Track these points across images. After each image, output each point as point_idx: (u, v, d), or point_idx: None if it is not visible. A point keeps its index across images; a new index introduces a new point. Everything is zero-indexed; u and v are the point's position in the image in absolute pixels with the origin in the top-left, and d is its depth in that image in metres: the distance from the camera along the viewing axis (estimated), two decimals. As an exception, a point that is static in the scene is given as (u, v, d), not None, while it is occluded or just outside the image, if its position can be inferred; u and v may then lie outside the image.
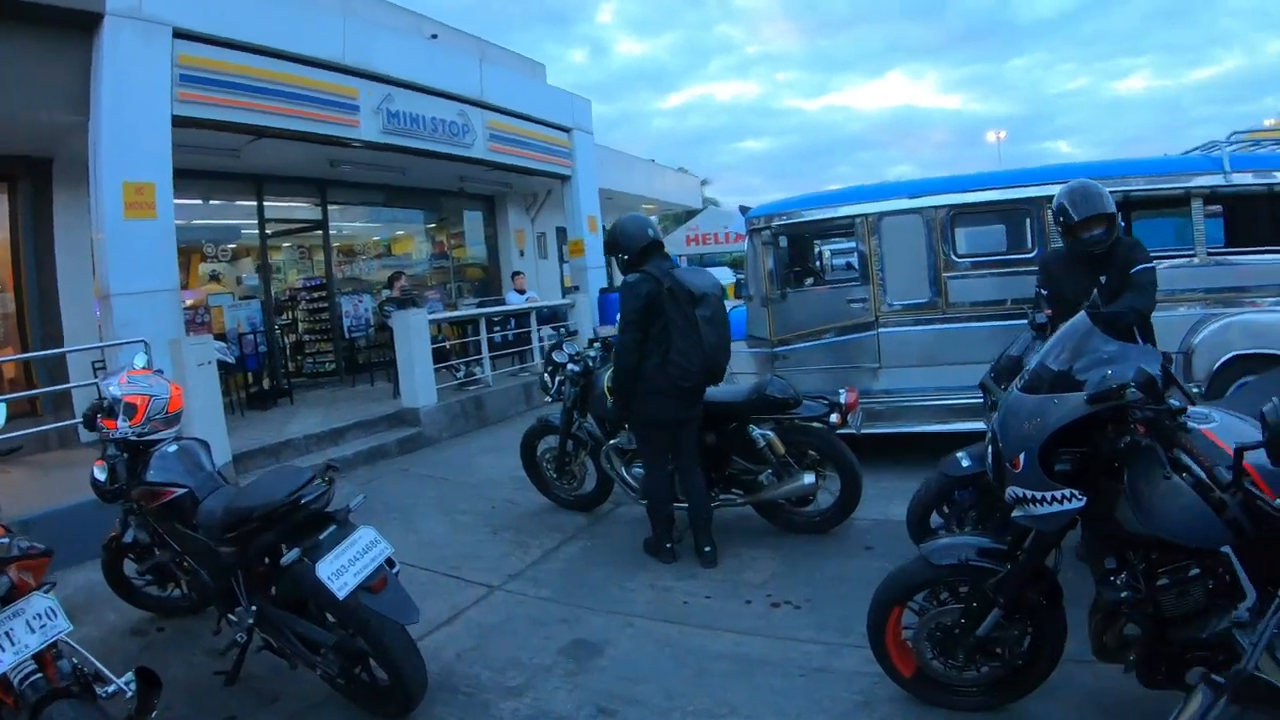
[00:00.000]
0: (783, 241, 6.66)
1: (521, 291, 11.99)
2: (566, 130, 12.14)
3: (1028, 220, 6.04)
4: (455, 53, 10.91)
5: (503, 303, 11.87)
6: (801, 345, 6.50)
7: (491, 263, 14.95)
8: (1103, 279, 3.99)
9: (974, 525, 4.17)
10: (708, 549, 4.50)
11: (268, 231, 10.66)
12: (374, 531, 2.98)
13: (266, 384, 9.40)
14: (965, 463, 4.08)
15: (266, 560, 3.10)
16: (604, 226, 13.66)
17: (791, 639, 3.57)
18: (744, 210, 7.22)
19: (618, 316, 4.46)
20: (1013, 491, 2.44)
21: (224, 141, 8.14)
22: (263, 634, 3.14)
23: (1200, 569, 2.24)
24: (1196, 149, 6.34)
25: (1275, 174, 5.69)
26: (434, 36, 11.37)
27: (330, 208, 11.53)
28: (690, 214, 26.59)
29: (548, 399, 5.61)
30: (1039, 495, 2.37)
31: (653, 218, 4.72)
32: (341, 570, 2.77)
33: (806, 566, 4.37)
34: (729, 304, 4.64)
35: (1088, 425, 2.34)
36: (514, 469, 6.55)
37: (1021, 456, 2.38)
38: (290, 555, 2.86)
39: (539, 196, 15.06)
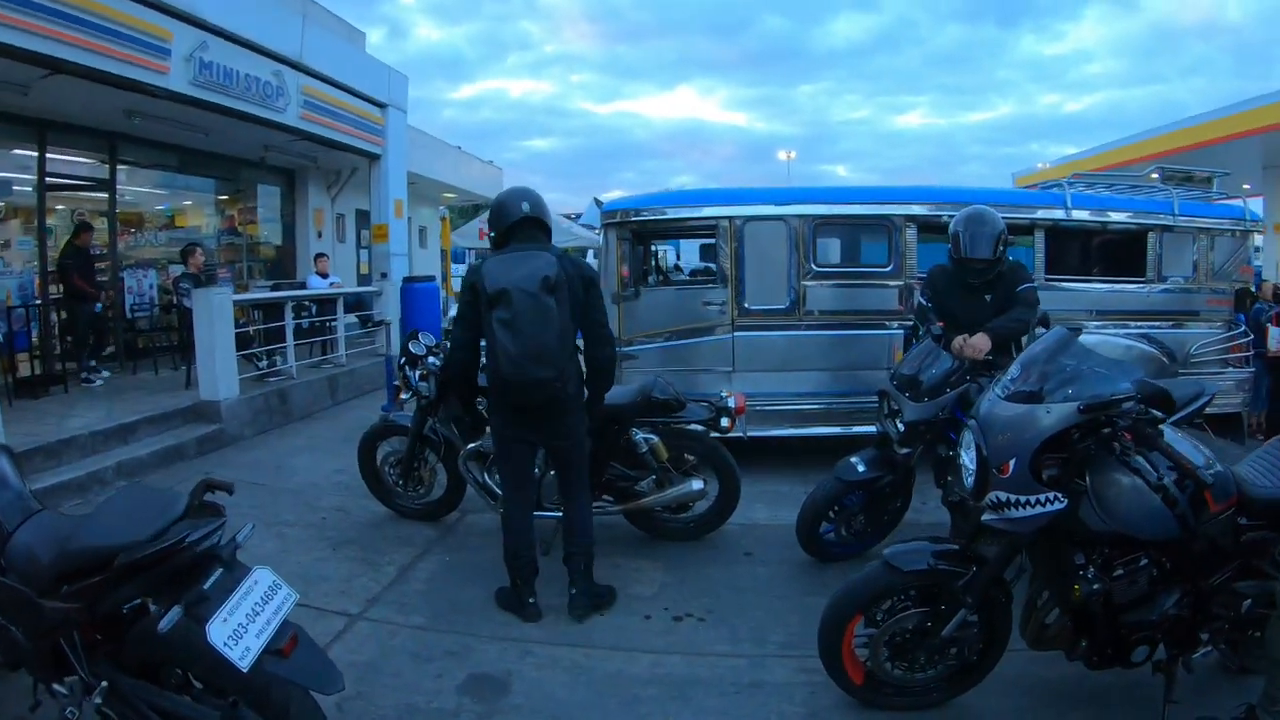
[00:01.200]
0: (640, 238, 6.60)
1: (324, 275, 11.12)
2: (381, 106, 11.42)
3: (887, 235, 6.40)
4: (278, 5, 9.86)
5: (300, 286, 10.96)
6: (652, 346, 6.41)
7: (287, 243, 13.79)
8: (988, 298, 4.34)
9: (861, 529, 4.33)
10: (574, 591, 3.86)
11: (46, 188, 9.08)
12: (271, 573, 2.32)
13: (37, 368, 7.88)
14: (860, 468, 4.22)
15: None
16: (409, 214, 13.00)
17: (710, 654, 3.47)
18: (598, 203, 7.06)
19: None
20: (995, 496, 2.53)
21: (14, 74, 6.89)
22: (106, 711, 2.32)
23: (1148, 559, 2.57)
24: (1039, 185, 7.19)
25: (1109, 213, 6.69)
26: None
27: (120, 167, 10.05)
28: (479, 208, 26.21)
29: (403, 397, 5.10)
30: (1023, 499, 2.48)
31: (532, 191, 4.30)
32: (240, 631, 2.11)
33: (693, 576, 4.28)
34: None
35: (1064, 433, 2.52)
36: (336, 472, 6.09)
37: (1012, 462, 2.49)
38: (170, 617, 2.09)
39: (342, 175, 14.08)
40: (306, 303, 9.69)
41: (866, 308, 6.35)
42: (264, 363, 8.21)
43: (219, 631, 2.07)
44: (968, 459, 2.66)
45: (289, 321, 8.43)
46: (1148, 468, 2.49)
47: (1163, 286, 6.61)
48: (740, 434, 4.90)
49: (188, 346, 7.84)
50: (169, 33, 7.48)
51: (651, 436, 4.55)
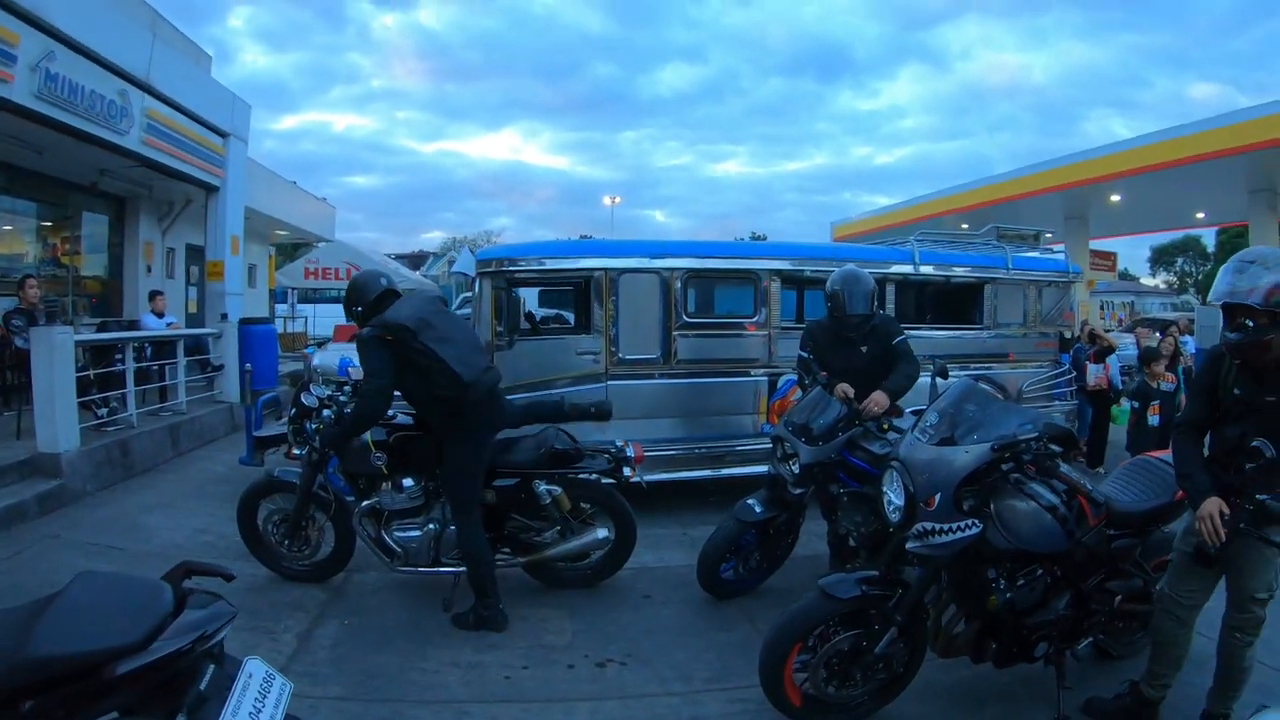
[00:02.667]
0: (514, 287, 6.75)
1: (160, 315, 10.48)
2: (224, 135, 10.90)
3: (753, 288, 6.92)
4: (129, 19, 9.27)
5: (130, 325, 10.21)
6: (525, 396, 6.52)
7: (114, 277, 12.82)
8: (864, 349, 4.86)
9: (757, 565, 4.69)
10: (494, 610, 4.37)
11: None
12: (262, 662, 2.17)
13: None
14: (757, 509, 4.61)
15: None
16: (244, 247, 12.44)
17: (643, 696, 3.65)
18: (472, 250, 7.14)
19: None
20: (922, 525, 2.97)
21: None
22: None
23: (1043, 570, 3.14)
24: (887, 243, 8.01)
25: (952, 267, 7.59)
26: None
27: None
28: (298, 246, 25.57)
29: (296, 453, 4.94)
30: (947, 526, 2.93)
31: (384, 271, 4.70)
32: None
33: (602, 622, 4.45)
34: None
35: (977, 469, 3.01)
36: (198, 532, 5.82)
37: (938, 496, 2.94)
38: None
39: (175, 206, 13.30)
40: (142, 345, 9.03)
41: (734, 356, 6.82)
42: (103, 411, 7.58)
43: None
44: (894, 495, 3.10)
45: (129, 365, 7.85)
46: (1040, 493, 3.04)
47: (997, 332, 7.58)
48: (640, 480, 5.10)
49: (14, 391, 7.20)
50: (16, 36, 6.95)
51: (555, 488, 4.67)
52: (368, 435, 4.54)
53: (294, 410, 4.89)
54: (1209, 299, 3.40)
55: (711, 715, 3.43)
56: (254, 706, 2.02)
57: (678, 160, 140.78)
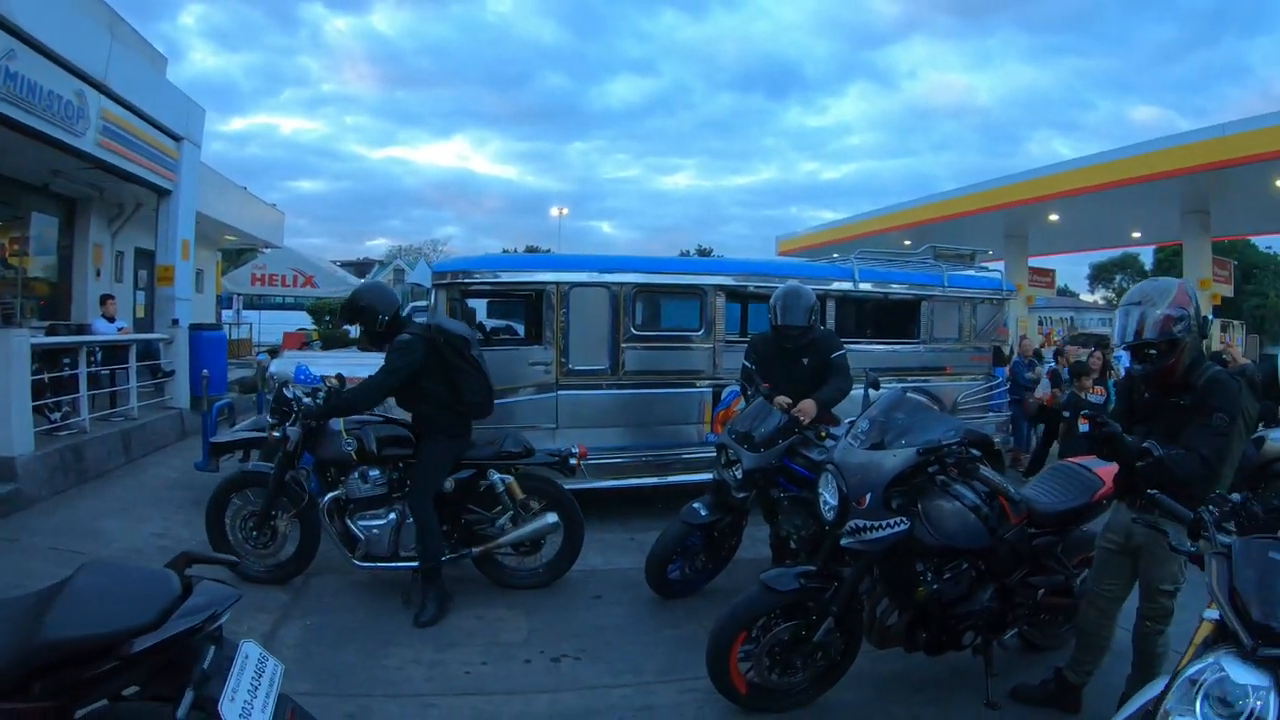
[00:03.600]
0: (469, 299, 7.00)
1: (111, 319, 10.42)
2: (177, 138, 10.84)
3: (699, 303, 7.25)
4: (89, 19, 9.19)
5: (79, 329, 10.13)
6: None
7: (63, 280, 12.69)
8: (805, 361, 5.23)
9: (703, 566, 5.00)
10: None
11: None
12: (256, 644, 2.33)
13: None
14: (703, 512, 4.91)
15: None
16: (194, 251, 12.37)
17: (598, 687, 3.90)
18: (428, 261, 7.35)
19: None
20: (854, 523, 3.28)
21: None
22: None
23: (968, 564, 3.47)
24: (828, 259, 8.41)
25: (890, 285, 8.01)
26: None
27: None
28: (242, 251, 25.48)
29: (276, 435, 5.10)
30: (877, 524, 3.25)
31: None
32: (247, 709, 2.14)
33: (556, 620, 4.70)
34: None
35: (905, 471, 3.34)
36: (156, 536, 5.89)
37: (868, 496, 3.27)
38: (186, 702, 2.06)
39: (126, 209, 13.17)
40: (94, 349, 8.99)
41: (680, 368, 7.12)
42: (56, 415, 7.57)
43: (230, 711, 2.09)
44: (829, 496, 3.41)
45: (83, 370, 7.85)
46: (964, 493, 3.41)
47: (933, 346, 8.01)
48: (599, 484, 5.38)
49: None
50: (-22, 34, 6.92)
51: (507, 477, 5.04)
52: (340, 422, 4.88)
53: (279, 407, 5.07)
54: (1113, 343, 3.84)
55: (663, 704, 3.69)
56: (251, 683, 2.20)
57: (626, 172, 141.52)
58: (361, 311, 4.89)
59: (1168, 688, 2.15)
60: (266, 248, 22.17)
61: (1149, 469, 3.01)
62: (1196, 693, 2.06)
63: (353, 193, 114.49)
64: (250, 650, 2.28)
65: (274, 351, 12.77)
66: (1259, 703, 1.97)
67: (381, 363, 4.81)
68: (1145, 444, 3.01)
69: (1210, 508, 2.49)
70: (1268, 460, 6.07)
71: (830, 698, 3.66)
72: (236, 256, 27.05)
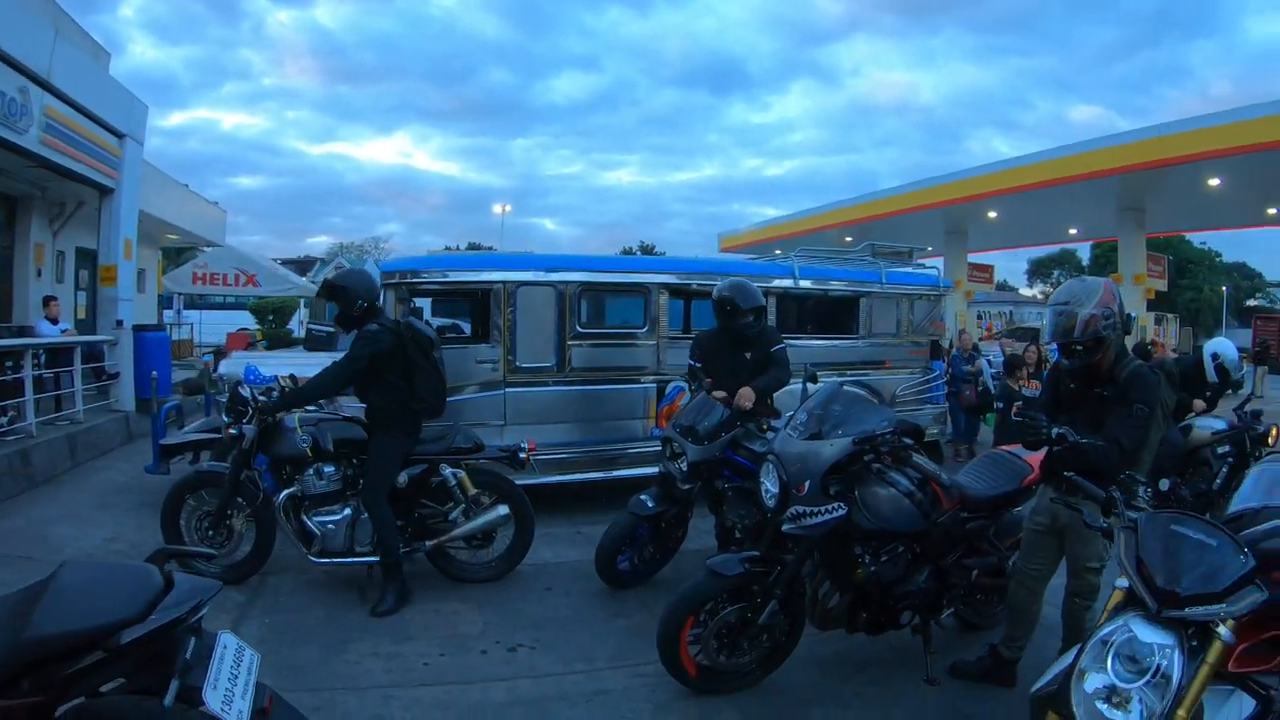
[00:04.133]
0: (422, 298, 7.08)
1: (55, 321, 10.22)
2: (120, 135, 10.57)
3: (643, 301, 7.42)
4: (33, 14, 8.97)
5: (23, 331, 9.99)
6: None
7: (3, 281, 12.34)
8: (748, 355, 5.42)
9: (651, 557, 5.21)
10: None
11: None
12: (233, 635, 2.41)
13: None
14: (650, 504, 5.09)
15: None
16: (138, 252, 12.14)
17: (552, 674, 4.06)
18: (377, 262, 7.42)
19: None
20: (795, 509, 3.49)
21: None
22: None
23: (904, 547, 3.70)
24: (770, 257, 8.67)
25: (829, 282, 8.30)
26: None
27: None
28: (182, 250, 25.19)
29: (233, 432, 5.11)
30: (816, 510, 3.46)
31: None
32: (229, 696, 2.20)
33: (509, 613, 4.83)
34: None
35: (842, 460, 3.56)
36: (108, 540, 5.88)
37: (807, 483, 3.48)
38: (173, 690, 2.12)
39: (67, 208, 12.84)
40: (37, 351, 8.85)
41: (624, 364, 7.28)
42: (3, 420, 7.46)
43: (213, 699, 2.15)
44: (770, 485, 3.62)
45: (29, 373, 7.74)
46: (898, 480, 3.63)
47: (872, 341, 8.31)
48: (547, 479, 5.51)
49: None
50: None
51: (458, 471, 5.18)
52: (295, 419, 4.97)
53: (235, 406, 5.12)
54: (1044, 342, 4.12)
55: (616, 689, 3.85)
56: (231, 672, 2.27)
57: (569, 169, 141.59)
58: (342, 291, 4.95)
59: (1083, 648, 2.39)
60: (208, 246, 21.78)
61: (1067, 454, 3.26)
62: (1108, 652, 2.30)
63: (294, 189, 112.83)
64: (229, 641, 2.35)
65: (219, 352, 12.62)
66: (1164, 660, 2.22)
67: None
68: (1059, 431, 3.24)
69: (1115, 489, 2.74)
70: (1194, 447, 6.38)
71: (777, 678, 3.85)
72: (177, 255, 26.58)
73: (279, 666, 4.06)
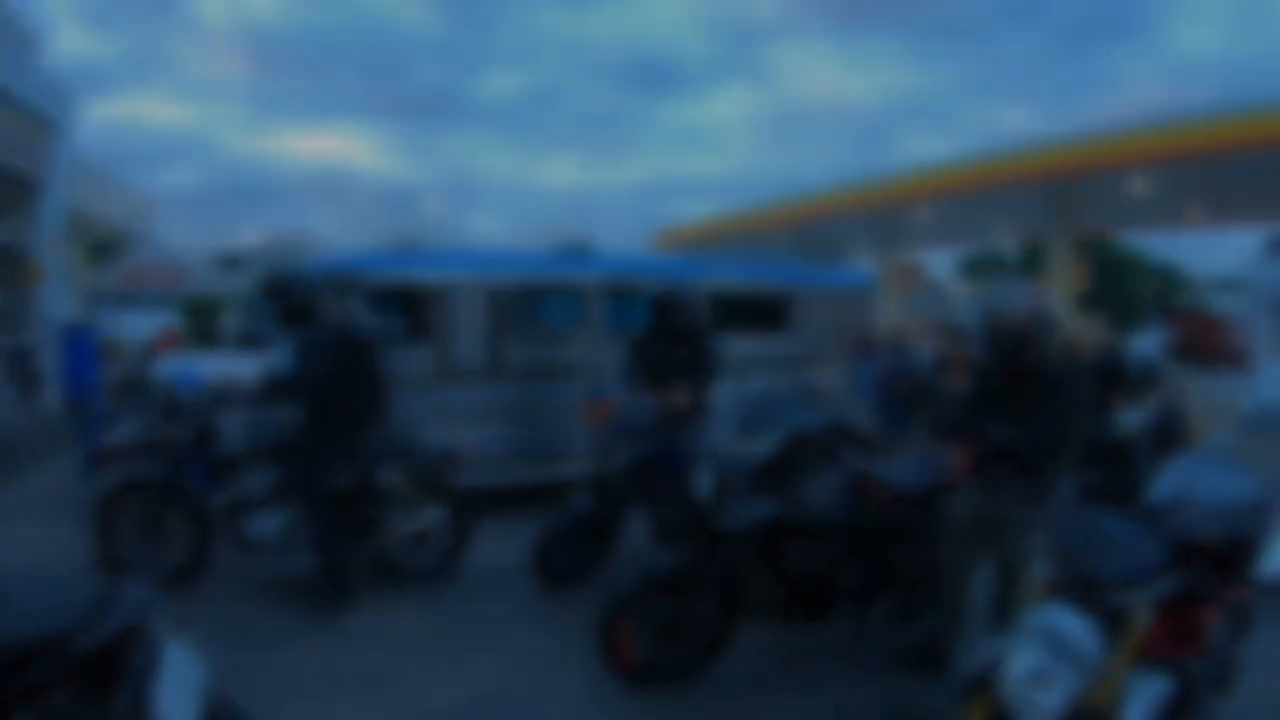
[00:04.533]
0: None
1: None
2: (49, 127, 10.13)
3: (579, 299, 7.55)
4: None
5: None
6: None
7: None
8: (682, 353, 5.56)
9: (588, 555, 5.29)
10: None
11: None
12: (180, 644, 2.38)
13: None
14: (586, 503, 5.20)
15: None
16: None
17: (493, 674, 4.15)
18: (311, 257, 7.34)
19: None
20: (729, 506, 3.66)
21: None
22: None
23: (836, 541, 3.87)
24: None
25: (763, 281, 8.56)
26: None
27: None
28: (108, 246, 24.18)
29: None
30: (750, 506, 3.64)
31: None
32: (177, 706, 2.20)
33: (450, 615, 4.90)
34: None
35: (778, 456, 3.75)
36: (39, 543, 5.80)
37: (741, 480, 3.66)
38: (121, 702, 2.11)
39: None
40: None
41: (560, 364, 7.37)
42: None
43: (164, 707, 2.14)
44: (705, 481, 3.75)
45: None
46: (830, 475, 3.83)
47: (803, 339, 8.54)
48: (483, 480, 5.58)
49: None
50: None
51: (397, 473, 5.23)
52: (232, 422, 5.09)
53: (165, 406, 5.16)
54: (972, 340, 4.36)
55: (557, 683, 3.97)
56: (179, 682, 2.26)
57: (503, 165, 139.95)
58: (284, 290, 5.17)
59: (1010, 634, 2.61)
60: (135, 242, 21.17)
61: (994, 448, 3.50)
62: (1034, 637, 2.50)
63: (222, 184, 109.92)
64: (175, 649, 2.34)
65: (149, 352, 12.33)
66: (1086, 643, 2.43)
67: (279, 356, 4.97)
68: (990, 429, 3.48)
69: (1039, 482, 2.98)
70: (1116, 440, 6.72)
71: (715, 670, 3.95)
72: (104, 252, 25.71)
73: (221, 673, 4.11)
